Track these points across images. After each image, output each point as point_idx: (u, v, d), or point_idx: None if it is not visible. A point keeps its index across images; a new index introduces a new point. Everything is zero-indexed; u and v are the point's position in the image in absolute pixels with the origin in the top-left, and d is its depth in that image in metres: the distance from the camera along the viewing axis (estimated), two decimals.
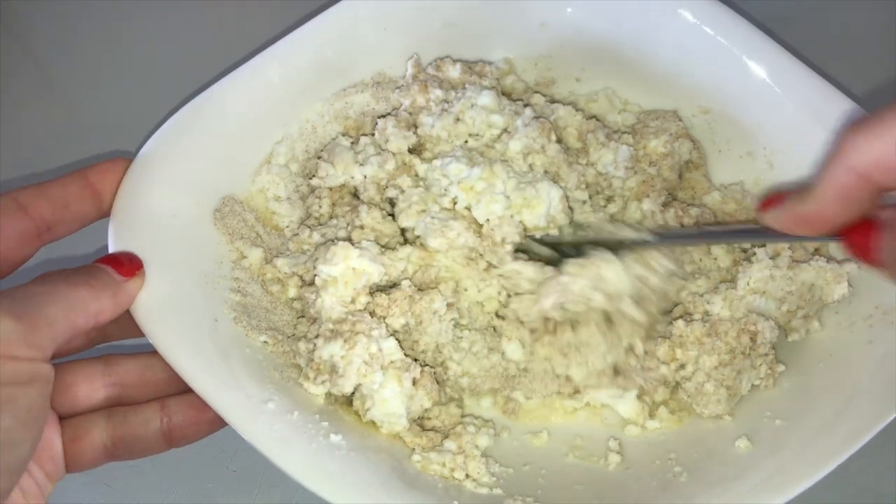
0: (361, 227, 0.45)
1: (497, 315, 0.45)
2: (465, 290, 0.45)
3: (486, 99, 0.46)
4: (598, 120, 0.50)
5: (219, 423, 0.40)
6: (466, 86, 0.48)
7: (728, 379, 0.42)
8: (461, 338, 0.45)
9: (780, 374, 0.43)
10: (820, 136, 0.45)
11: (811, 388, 0.41)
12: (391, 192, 0.46)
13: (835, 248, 0.45)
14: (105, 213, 0.41)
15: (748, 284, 0.43)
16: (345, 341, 0.40)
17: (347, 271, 0.42)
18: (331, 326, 0.41)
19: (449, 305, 0.44)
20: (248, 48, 0.49)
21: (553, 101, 0.51)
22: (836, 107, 0.45)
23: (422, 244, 0.44)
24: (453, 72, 0.49)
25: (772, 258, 0.43)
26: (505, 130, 0.46)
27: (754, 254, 0.44)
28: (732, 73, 0.47)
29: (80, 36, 0.65)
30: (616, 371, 0.44)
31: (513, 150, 0.46)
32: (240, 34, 0.60)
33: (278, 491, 0.50)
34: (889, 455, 0.47)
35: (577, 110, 0.50)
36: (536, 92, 0.52)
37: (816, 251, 0.45)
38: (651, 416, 0.44)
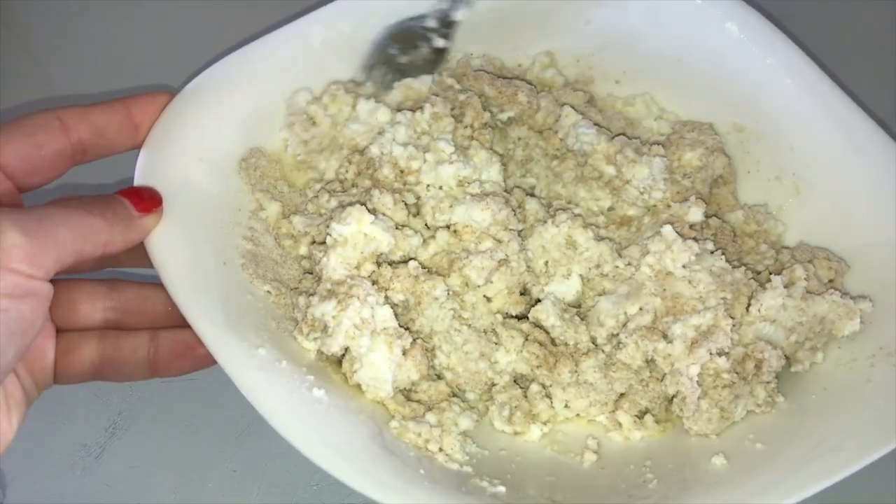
0: (372, 211, 0.45)
1: (504, 316, 0.46)
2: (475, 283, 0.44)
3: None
4: (632, 124, 0.50)
5: (205, 361, 0.41)
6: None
7: (724, 400, 0.41)
8: (458, 331, 0.44)
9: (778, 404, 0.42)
10: (853, 167, 0.45)
11: (800, 418, 0.40)
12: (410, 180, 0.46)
13: (853, 282, 0.44)
14: (137, 146, 0.43)
15: (759, 311, 0.43)
16: (338, 302, 0.41)
17: (358, 234, 0.43)
18: (329, 286, 0.42)
19: (454, 294, 0.44)
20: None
21: (589, 101, 0.51)
22: (874, 141, 0.44)
23: (455, 230, 0.45)
24: (487, 89, 0.50)
25: (786, 287, 0.43)
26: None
27: (769, 281, 0.43)
28: (772, 94, 0.47)
29: (80, 36, 0.65)
30: (620, 396, 0.44)
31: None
32: (248, 31, 0.60)
33: (278, 491, 0.50)
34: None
35: (601, 131, 0.48)
36: (578, 90, 0.52)
37: (831, 282, 0.44)
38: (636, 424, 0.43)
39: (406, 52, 0.50)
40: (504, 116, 0.50)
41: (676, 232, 0.43)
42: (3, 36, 0.65)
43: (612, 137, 0.48)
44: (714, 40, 0.47)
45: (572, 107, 0.49)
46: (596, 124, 0.49)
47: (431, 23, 0.49)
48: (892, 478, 0.47)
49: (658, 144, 0.49)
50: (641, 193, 0.47)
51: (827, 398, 0.41)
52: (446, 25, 0.50)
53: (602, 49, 0.51)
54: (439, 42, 0.50)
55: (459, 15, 0.49)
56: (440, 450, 0.40)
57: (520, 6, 0.50)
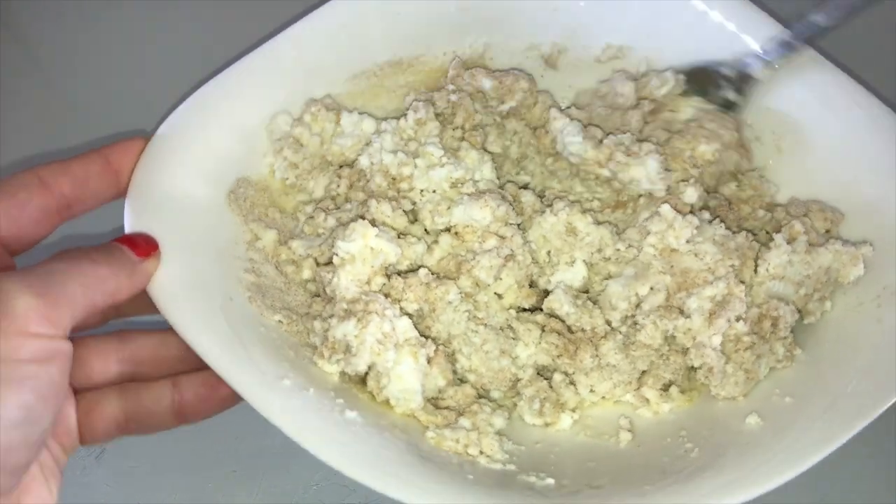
0: (372, 222, 0.45)
1: (518, 310, 0.46)
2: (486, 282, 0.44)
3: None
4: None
5: (230, 400, 0.40)
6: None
7: (747, 362, 0.42)
8: (475, 332, 0.44)
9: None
10: (828, 119, 0.46)
11: (820, 367, 0.42)
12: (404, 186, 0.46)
13: (847, 229, 0.46)
14: (123, 193, 0.42)
15: (767, 271, 0.44)
16: (358, 321, 0.40)
17: (365, 249, 0.42)
18: (345, 306, 0.41)
19: (466, 296, 0.44)
20: (252, 45, 0.48)
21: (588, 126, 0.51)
22: (844, 91, 0.46)
23: (456, 232, 0.45)
24: (485, 84, 0.49)
25: (788, 243, 0.44)
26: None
27: (772, 240, 0.44)
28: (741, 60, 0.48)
29: (80, 36, 0.65)
30: (643, 373, 0.44)
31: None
32: (244, 31, 0.59)
33: (278, 491, 0.50)
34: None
35: (588, 136, 0.48)
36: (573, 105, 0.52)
37: (828, 232, 0.45)
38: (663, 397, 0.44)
39: (697, 94, 0.48)
40: (505, 108, 0.50)
41: (675, 209, 0.44)
42: (3, 36, 0.64)
43: (601, 140, 0.48)
44: (678, 16, 0.48)
45: (559, 108, 0.50)
46: (587, 125, 0.49)
47: (729, 72, 0.48)
48: (892, 478, 0.48)
49: (648, 141, 0.48)
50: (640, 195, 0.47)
51: (842, 343, 0.42)
52: (743, 80, 0.47)
53: (573, 35, 0.51)
54: (731, 95, 0.48)
55: (760, 73, 0.47)
56: (480, 452, 0.40)
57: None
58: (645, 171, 0.46)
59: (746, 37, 0.47)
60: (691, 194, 0.46)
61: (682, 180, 0.47)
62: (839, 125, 0.46)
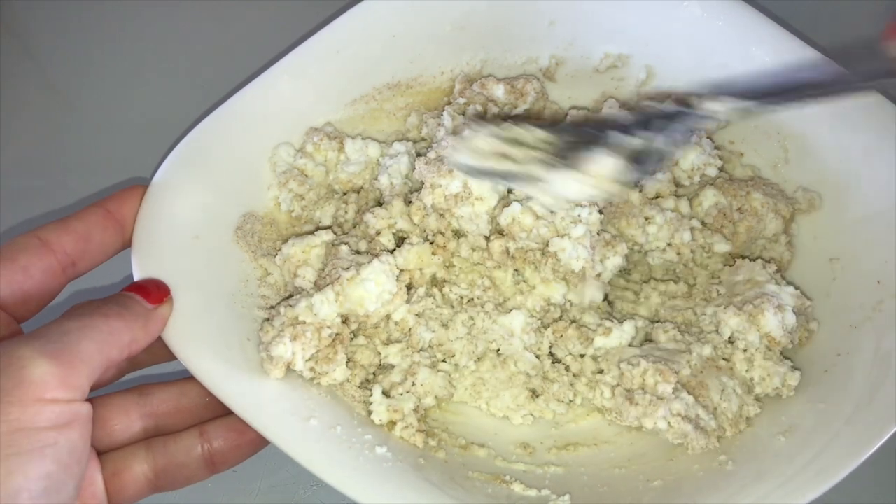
0: (378, 233, 0.45)
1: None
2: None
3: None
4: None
5: (260, 443, 0.40)
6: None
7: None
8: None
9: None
10: (829, 117, 0.46)
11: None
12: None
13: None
14: (128, 243, 0.41)
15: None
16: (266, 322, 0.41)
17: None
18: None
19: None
20: (250, 48, 0.47)
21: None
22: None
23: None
24: (497, 91, 0.49)
25: None
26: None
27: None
28: (741, 62, 0.47)
29: (80, 36, 0.64)
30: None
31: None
32: (243, 34, 0.59)
33: (278, 491, 0.50)
34: None
35: None
36: (611, 97, 0.51)
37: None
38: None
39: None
40: (519, 110, 0.50)
41: None
42: (3, 36, 0.64)
43: None
44: (677, 22, 0.48)
45: (615, 98, 0.50)
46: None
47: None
48: (892, 478, 0.48)
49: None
50: (689, 175, 0.47)
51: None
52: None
53: (570, 47, 0.51)
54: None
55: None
56: (515, 480, 0.40)
57: (479, 20, 0.49)
58: (701, 149, 0.47)
59: (747, 41, 0.47)
60: (721, 247, 0.46)
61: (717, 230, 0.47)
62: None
